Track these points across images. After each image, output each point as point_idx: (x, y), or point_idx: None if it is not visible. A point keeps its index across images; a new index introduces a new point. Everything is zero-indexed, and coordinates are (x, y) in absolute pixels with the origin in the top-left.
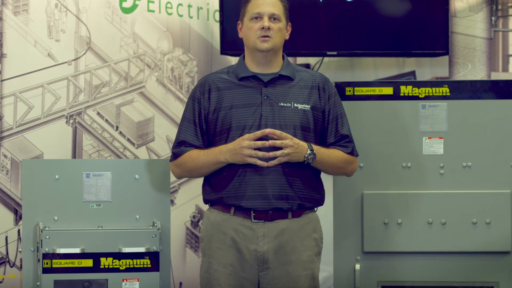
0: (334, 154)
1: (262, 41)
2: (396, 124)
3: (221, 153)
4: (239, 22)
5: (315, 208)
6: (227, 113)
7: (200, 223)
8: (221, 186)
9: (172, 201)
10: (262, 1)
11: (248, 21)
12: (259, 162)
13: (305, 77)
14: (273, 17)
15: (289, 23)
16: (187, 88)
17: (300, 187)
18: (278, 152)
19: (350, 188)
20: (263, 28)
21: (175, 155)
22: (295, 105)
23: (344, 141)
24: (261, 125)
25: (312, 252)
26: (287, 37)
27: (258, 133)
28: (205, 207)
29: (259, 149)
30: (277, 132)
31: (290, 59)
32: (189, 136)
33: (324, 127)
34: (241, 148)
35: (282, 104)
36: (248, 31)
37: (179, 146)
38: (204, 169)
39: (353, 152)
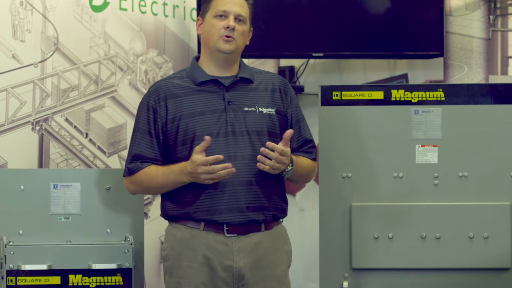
0: (304, 163)
1: (225, 41)
2: (387, 131)
3: (182, 175)
4: (199, 17)
5: (281, 220)
6: (189, 121)
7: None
8: (188, 200)
9: (146, 214)
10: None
11: (211, 18)
12: (223, 175)
13: (264, 79)
14: (239, 18)
15: (251, 29)
16: None
17: (273, 197)
18: (269, 162)
19: (338, 200)
20: (227, 27)
21: (130, 171)
22: (260, 109)
23: (308, 147)
24: (228, 132)
25: (285, 266)
26: (248, 43)
27: (212, 158)
28: None
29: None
30: (279, 147)
31: (273, 61)
32: (144, 149)
33: None
34: (198, 173)
35: (246, 108)
36: (211, 28)
37: (135, 161)
38: (165, 188)
39: (315, 158)
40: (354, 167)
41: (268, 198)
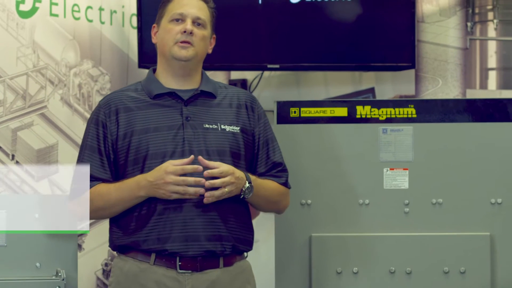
0: (269, 186)
1: (181, 47)
2: (352, 152)
3: (139, 188)
4: (154, 25)
5: (245, 254)
6: (142, 138)
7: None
8: (136, 227)
9: (80, 246)
10: (187, 2)
11: (167, 22)
12: (191, 192)
13: (229, 94)
14: (197, 22)
15: (214, 36)
16: None
17: (234, 226)
18: (217, 193)
19: (296, 230)
20: (184, 31)
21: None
22: (222, 126)
23: (277, 170)
24: (185, 151)
25: None
26: (210, 51)
27: (186, 162)
28: None
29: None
30: (215, 171)
31: (223, 73)
32: (93, 168)
33: (253, 154)
34: (164, 183)
35: (206, 125)
36: (166, 34)
37: None
38: (117, 207)
39: (286, 183)
40: (315, 193)
41: (227, 226)
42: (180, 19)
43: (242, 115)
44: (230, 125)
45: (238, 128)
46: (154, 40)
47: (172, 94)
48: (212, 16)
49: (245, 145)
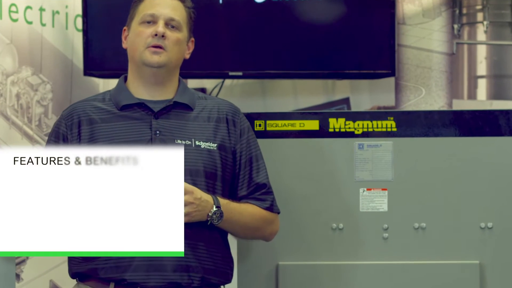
0: (247, 211)
1: (152, 52)
2: (324, 170)
3: None
4: (125, 28)
5: (221, 287)
6: None
7: None
8: None
9: (18, 276)
10: (160, 1)
11: (137, 25)
12: None
13: (208, 106)
14: (171, 24)
15: (192, 39)
16: (38, 121)
17: (205, 255)
18: None
19: (261, 258)
20: (156, 35)
21: None
22: (197, 143)
23: (260, 193)
24: None
25: None
26: (188, 56)
27: None
28: (64, 283)
29: None
30: None
31: None
32: None
33: (234, 174)
34: None
35: (179, 141)
36: (136, 37)
37: None
38: None
39: (272, 208)
40: (282, 217)
41: (197, 255)
42: (151, 21)
43: (221, 130)
44: (206, 142)
45: (215, 144)
46: (124, 45)
47: (142, 105)
48: (190, 17)
49: (223, 164)
